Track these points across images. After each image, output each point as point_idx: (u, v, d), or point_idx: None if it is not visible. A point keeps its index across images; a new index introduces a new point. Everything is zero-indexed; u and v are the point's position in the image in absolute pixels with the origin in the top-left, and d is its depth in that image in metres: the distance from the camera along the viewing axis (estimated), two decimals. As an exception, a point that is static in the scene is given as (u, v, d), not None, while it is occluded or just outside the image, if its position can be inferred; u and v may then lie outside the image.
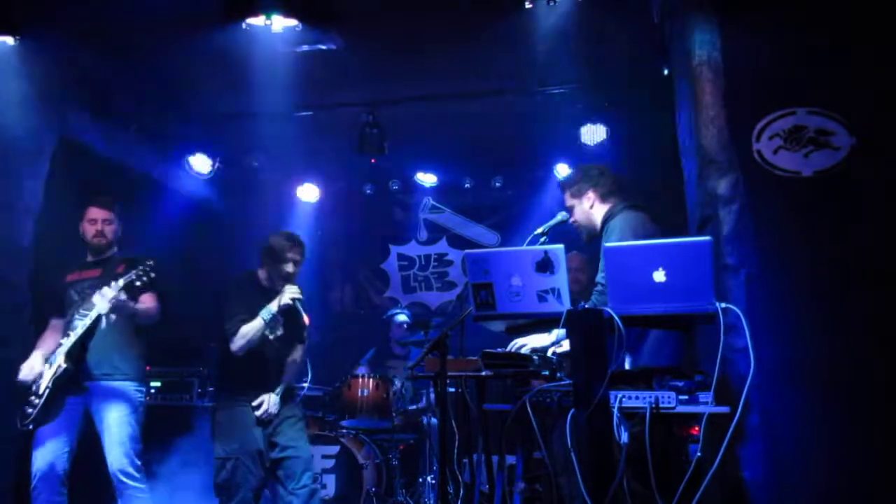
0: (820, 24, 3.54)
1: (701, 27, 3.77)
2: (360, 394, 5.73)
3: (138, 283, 4.12)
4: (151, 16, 4.71)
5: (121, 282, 4.06)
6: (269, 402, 4.45)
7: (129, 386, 4.29)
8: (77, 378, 4.18)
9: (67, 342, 4.14)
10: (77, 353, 4.15)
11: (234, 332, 4.38)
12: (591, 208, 3.77)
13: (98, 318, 4.09)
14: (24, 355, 4.28)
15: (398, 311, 6.91)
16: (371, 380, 5.78)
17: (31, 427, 4.10)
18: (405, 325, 6.67)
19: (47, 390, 4.10)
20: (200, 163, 6.68)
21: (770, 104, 3.54)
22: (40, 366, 4.19)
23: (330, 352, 6.87)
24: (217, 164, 6.80)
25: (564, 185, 3.91)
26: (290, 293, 4.43)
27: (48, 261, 4.80)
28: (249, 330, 4.37)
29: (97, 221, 4.45)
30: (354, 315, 8.07)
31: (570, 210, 3.85)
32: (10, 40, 4.56)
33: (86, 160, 5.69)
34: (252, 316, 4.40)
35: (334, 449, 5.51)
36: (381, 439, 5.81)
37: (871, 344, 3.21)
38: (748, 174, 3.50)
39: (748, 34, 3.64)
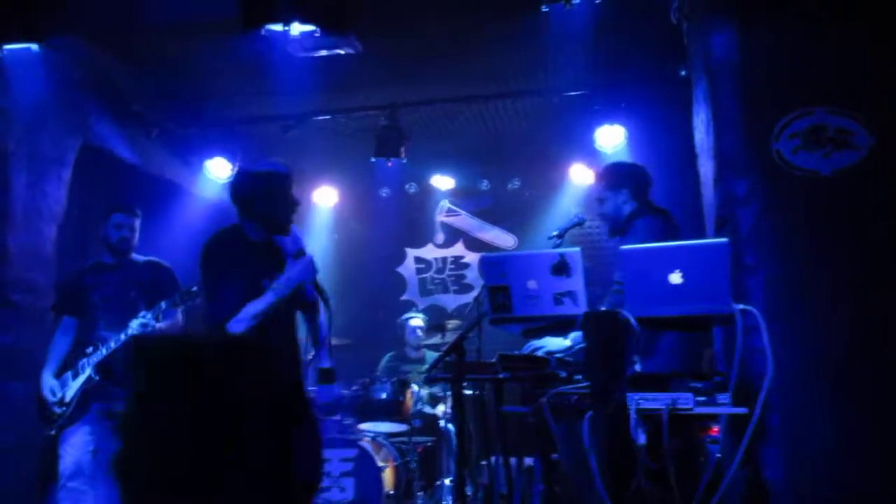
0: (838, 24, 3.52)
1: (719, 27, 3.76)
2: (377, 397, 5.76)
3: (171, 307, 4.18)
4: (171, 22, 4.77)
5: (160, 308, 4.13)
6: None
7: None
8: (105, 385, 4.22)
9: (97, 354, 4.19)
10: (107, 365, 4.20)
11: (232, 313, 3.24)
12: (623, 203, 3.82)
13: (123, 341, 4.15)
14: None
15: (412, 314, 6.91)
16: (389, 383, 5.81)
17: (54, 432, 4.17)
18: (419, 330, 6.67)
19: (75, 398, 4.17)
20: (220, 167, 6.73)
21: (789, 104, 3.51)
22: (52, 380, 4.24)
23: (347, 355, 6.90)
24: (236, 168, 6.85)
25: (604, 175, 3.97)
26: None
27: (72, 267, 4.86)
28: (255, 308, 3.25)
29: (122, 227, 4.48)
30: (371, 318, 8.10)
31: (600, 201, 3.90)
32: (33, 47, 4.63)
33: (108, 166, 5.76)
34: (253, 288, 3.30)
35: (352, 452, 5.53)
36: (400, 442, 5.82)
37: (892, 344, 3.18)
38: (766, 175, 3.48)
39: (766, 34, 3.63)
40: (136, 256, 4.56)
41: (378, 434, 5.76)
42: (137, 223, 4.55)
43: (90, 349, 4.22)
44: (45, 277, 4.89)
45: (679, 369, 3.21)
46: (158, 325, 4.20)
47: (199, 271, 3.44)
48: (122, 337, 4.12)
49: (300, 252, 3.43)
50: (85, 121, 5.42)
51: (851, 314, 3.24)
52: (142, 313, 4.12)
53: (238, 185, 3.49)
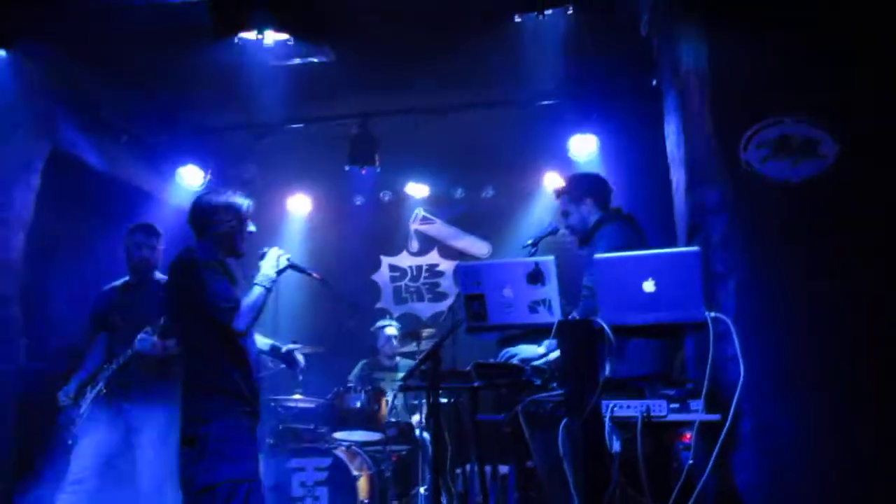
0: (805, 35, 3.59)
1: (688, 38, 3.82)
2: (352, 405, 5.73)
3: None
4: (143, 29, 4.72)
5: (155, 333, 4.24)
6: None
7: (163, 410, 4.37)
8: (117, 400, 4.33)
9: (108, 368, 4.33)
10: (116, 379, 4.32)
11: (234, 308, 3.37)
12: (588, 214, 3.85)
13: (133, 354, 4.28)
14: (13, 368, 4.34)
15: (386, 322, 6.89)
16: (363, 391, 5.78)
17: (70, 442, 4.27)
18: (394, 339, 6.66)
19: (87, 408, 4.31)
20: (192, 175, 6.67)
21: (757, 113, 3.57)
22: (70, 386, 4.39)
23: (321, 363, 6.86)
24: (208, 176, 6.79)
25: (563, 190, 3.99)
26: (281, 253, 3.61)
27: (39, 274, 4.79)
28: (251, 300, 3.42)
29: (142, 246, 4.52)
30: (345, 326, 8.05)
31: (565, 215, 3.92)
32: (0, 52, 4.55)
33: (77, 172, 5.68)
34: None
35: (327, 461, 5.49)
36: (374, 450, 5.80)
37: (861, 349, 3.24)
38: (736, 183, 3.54)
39: (734, 44, 3.69)
40: (158, 276, 4.56)
41: (352, 443, 5.73)
42: (158, 242, 4.59)
43: (105, 365, 4.37)
44: (12, 285, 4.81)
45: (650, 372, 3.24)
46: (168, 342, 4.23)
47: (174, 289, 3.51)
48: (129, 352, 4.24)
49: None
50: (54, 127, 5.35)
51: (821, 321, 3.30)
52: (145, 329, 4.21)
53: (195, 213, 3.59)
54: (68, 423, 4.28)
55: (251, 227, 3.64)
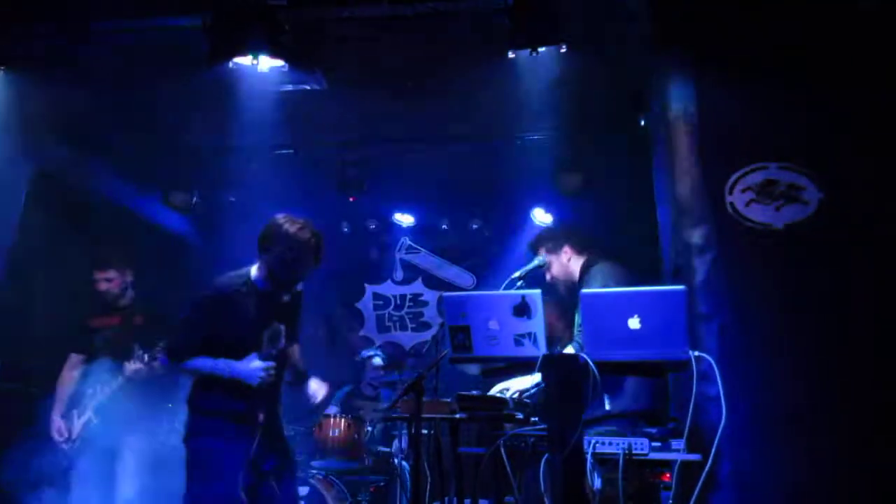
0: (792, 81, 3.67)
1: (677, 82, 3.89)
2: (330, 434, 5.66)
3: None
4: (134, 51, 4.74)
5: (141, 362, 4.32)
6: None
7: (150, 438, 4.39)
8: (105, 428, 4.38)
9: (95, 397, 4.38)
10: (103, 407, 4.38)
11: (179, 350, 3.48)
12: (568, 261, 3.90)
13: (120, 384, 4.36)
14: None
15: (374, 352, 6.86)
16: (343, 420, 5.72)
17: (65, 465, 4.35)
18: (380, 368, 6.63)
19: (79, 436, 4.37)
20: (179, 198, 6.65)
21: (743, 158, 3.64)
22: (58, 420, 4.43)
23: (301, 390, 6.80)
24: (196, 199, 6.77)
25: (538, 243, 4.03)
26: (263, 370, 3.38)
27: (21, 293, 4.75)
28: (200, 366, 3.42)
29: (100, 281, 4.64)
30: (327, 353, 8.00)
31: (545, 267, 3.95)
32: (-12, 73, 4.56)
33: (62, 193, 5.65)
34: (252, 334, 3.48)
35: (304, 490, 5.41)
36: (352, 481, 5.73)
37: (843, 394, 3.26)
38: (721, 225, 3.58)
39: (723, 90, 3.76)
40: (133, 302, 4.69)
41: (330, 472, 5.66)
42: (115, 272, 4.67)
43: (90, 391, 4.40)
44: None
45: (645, 408, 3.25)
46: (154, 363, 4.31)
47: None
48: (120, 380, 4.31)
49: None
50: (40, 147, 5.32)
51: (803, 364, 3.33)
52: (137, 354, 4.28)
53: (261, 230, 3.58)
54: (68, 462, 4.34)
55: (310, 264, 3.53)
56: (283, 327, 3.56)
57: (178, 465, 3.37)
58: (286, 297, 3.61)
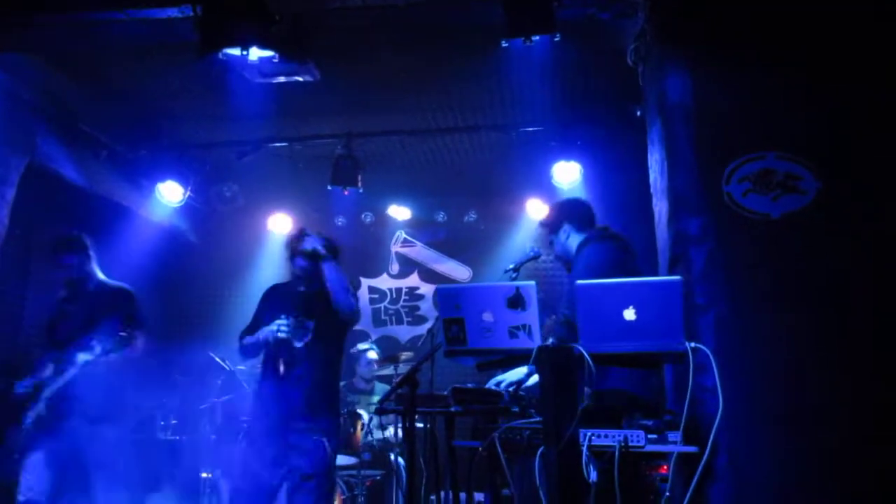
0: (790, 71, 3.63)
1: (673, 71, 3.84)
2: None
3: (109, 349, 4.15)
4: (126, 43, 4.69)
5: (96, 350, 4.12)
6: None
7: (106, 427, 4.26)
8: (57, 417, 4.18)
9: (50, 385, 4.16)
10: (55, 395, 4.16)
11: (241, 335, 4.39)
12: (567, 240, 3.83)
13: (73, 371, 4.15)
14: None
15: (368, 346, 6.84)
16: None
17: (17, 456, 4.15)
18: (374, 363, 6.60)
19: (31, 424, 4.15)
20: (171, 191, 6.61)
21: (740, 148, 3.60)
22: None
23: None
24: (188, 193, 6.73)
25: (543, 223, 3.99)
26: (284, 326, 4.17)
27: (11, 286, 4.70)
28: (253, 337, 4.28)
29: (61, 267, 4.42)
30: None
31: (551, 245, 3.92)
32: (-20, 65, 4.51)
33: (54, 186, 5.61)
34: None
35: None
36: (348, 475, 5.71)
37: (839, 384, 3.23)
38: (718, 216, 3.54)
39: (719, 79, 3.72)
40: (98, 283, 4.47)
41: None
42: (74, 257, 4.43)
43: (46, 373, 4.20)
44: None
45: (629, 391, 3.22)
46: (111, 355, 4.15)
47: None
48: (65, 376, 4.12)
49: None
50: (32, 140, 5.28)
51: (800, 355, 3.29)
52: (92, 343, 4.08)
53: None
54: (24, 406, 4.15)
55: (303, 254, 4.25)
56: (311, 324, 4.16)
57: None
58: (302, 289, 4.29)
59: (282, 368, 4.18)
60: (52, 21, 4.54)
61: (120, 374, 4.35)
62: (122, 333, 4.12)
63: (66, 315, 4.35)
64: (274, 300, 4.38)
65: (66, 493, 4.18)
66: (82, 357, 4.08)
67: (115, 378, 4.30)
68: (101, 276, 4.49)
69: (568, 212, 3.89)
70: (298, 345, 4.13)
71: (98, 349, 4.08)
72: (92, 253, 4.47)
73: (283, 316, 4.14)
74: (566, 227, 3.84)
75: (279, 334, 4.12)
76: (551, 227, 3.89)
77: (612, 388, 3.26)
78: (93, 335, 4.11)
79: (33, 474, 4.12)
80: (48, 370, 4.22)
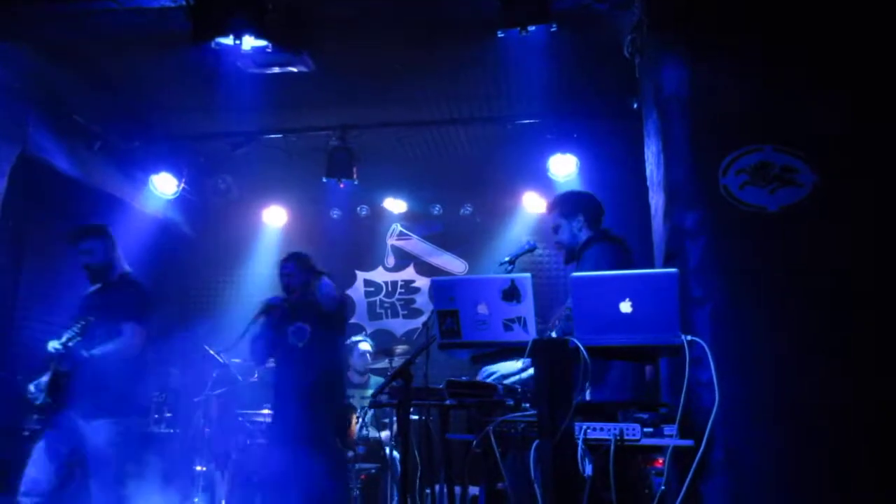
0: (787, 64, 3.61)
1: (670, 63, 3.82)
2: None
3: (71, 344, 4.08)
4: (118, 33, 4.64)
5: (60, 342, 4.06)
6: None
7: (106, 422, 4.22)
8: (57, 411, 4.18)
9: (48, 376, 4.16)
10: (54, 389, 4.16)
11: None
12: (579, 231, 3.83)
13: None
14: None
15: (360, 338, 6.81)
16: (333, 407, 5.68)
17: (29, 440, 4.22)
18: (368, 355, 6.58)
19: (37, 414, 4.26)
20: (165, 183, 6.57)
21: (737, 140, 3.57)
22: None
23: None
24: (182, 185, 6.69)
25: (557, 203, 3.95)
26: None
27: (4, 277, 4.67)
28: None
29: (80, 252, 4.41)
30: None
31: (555, 229, 3.89)
32: (-29, 53, 4.46)
33: (46, 177, 5.56)
34: None
35: (294, 478, 5.36)
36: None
37: (836, 380, 3.22)
38: (714, 209, 3.52)
39: (716, 71, 3.70)
40: (120, 275, 4.46)
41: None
42: (89, 246, 4.43)
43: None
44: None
45: (628, 400, 3.20)
46: (88, 352, 4.11)
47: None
48: (55, 367, 4.10)
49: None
50: (23, 130, 5.24)
51: (797, 349, 3.28)
52: (67, 334, 4.06)
53: None
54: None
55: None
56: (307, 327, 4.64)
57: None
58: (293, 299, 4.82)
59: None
60: (45, 10, 4.50)
61: (123, 368, 4.31)
62: (127, 328, 4.12)
63: (85, 305, 4.35)
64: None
65: (68, 486, 4.17)
66: (90, 349, 4.09)
67: (118, 372, 4.27)
68: (126, 267, 4.48)
69: (586, 205, 3.90)
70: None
71: (107, 343, 4.11)
72: (113, 242, 4.46)
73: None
74: (581, 218, 3.85)
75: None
76: (567, 212, 3.88)
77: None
78: (99, 328, 4.14)
79: (36, 466, 4.12)
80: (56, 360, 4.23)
